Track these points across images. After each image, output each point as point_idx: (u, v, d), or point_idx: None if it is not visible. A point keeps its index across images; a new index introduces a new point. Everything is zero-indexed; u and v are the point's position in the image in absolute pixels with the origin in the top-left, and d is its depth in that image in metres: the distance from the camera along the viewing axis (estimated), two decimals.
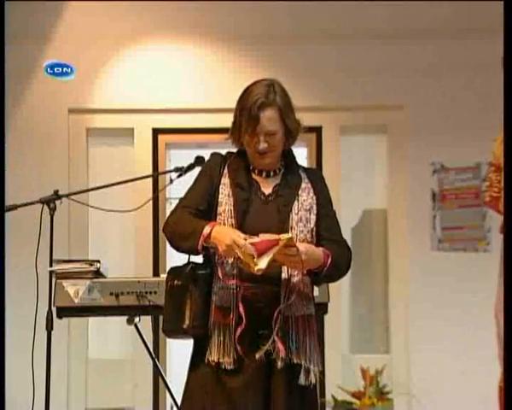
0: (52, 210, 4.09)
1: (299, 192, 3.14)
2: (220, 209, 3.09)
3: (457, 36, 6.02)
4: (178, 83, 6.18)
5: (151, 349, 4.43)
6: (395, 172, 6.19)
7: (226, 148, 3.25)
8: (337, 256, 3.09)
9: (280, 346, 2.97)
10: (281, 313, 3.00)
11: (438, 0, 5.97)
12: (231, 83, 5.89)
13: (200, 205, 3.11)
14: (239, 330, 2.98)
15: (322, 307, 4.13)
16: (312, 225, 3.12)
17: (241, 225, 3.03)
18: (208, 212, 3.10)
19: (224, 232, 2.98)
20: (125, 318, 4.27)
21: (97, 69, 6.16)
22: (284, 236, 2.91)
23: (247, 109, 3.05)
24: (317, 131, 6.16)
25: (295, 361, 3.02)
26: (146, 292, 4.12)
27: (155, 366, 4.53)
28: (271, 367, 3.00)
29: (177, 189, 4.26)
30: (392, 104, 6.15)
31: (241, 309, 2.99)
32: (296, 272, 3.05)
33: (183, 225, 3.07)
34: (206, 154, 3.64)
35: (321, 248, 3.07)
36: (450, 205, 6.12)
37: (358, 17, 6.12)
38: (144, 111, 6.16)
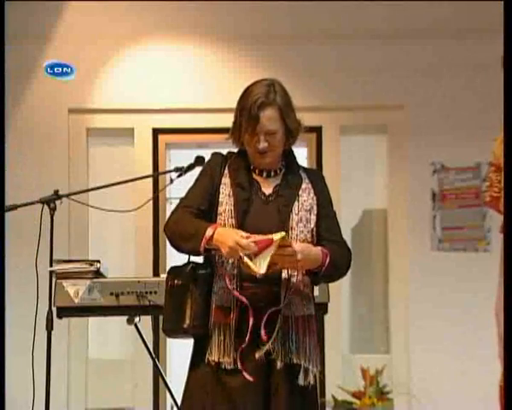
0: (52, 210, 4.09)
1: (300, 192, 3.14)
2: (221, 209, 3.09)
3: (457, 36, 6.02)
4: (178, 83, 6.18)
5: (151, 349, 4.43)
6: (395, 172, 6.19)
7: (226, 148, 3.25)
8: (336, 256, 3.09)
9: (264, 337, 2.97)
10: (280, 312, 3.01)
11: (438, 0, 5.97)
12: (231, 83, 5.89)
13: (202, 205, 3.11)
14: (240, 348, 2.97)
15: (323, 307, 4.12)
16: (312, 226, 3.12)
17: (241, 225, 3.03)
18: (209, 212, 3.11)
19: (226, 234, 2.98)
20: (125, 318, 4.27)
21: (97, 69, 6.16)
22: (277, 235, 2.91)
23: (247, 109, 3.05)
24: (317, 131, 6.16)
25: (295, 361, 3.02)
26: (146, 292, 4.12)
27: (155, 366, 4.53)
28: (271, 367, 3.00)
29: (178, 189, 4.25)
30: (393, 104, 6.15)
31: (251, 324, 2.98)
32: (296, 272, 3.05)
33: (184, 225, 3.07)
34: (206, 154, 3.64)
35: (319, 248, 3.07)
36: (451, 205, 6.12)
37: (358, 17, 6.12)
38: (144, 111, 6.16)
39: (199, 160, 3.98)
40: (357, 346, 6.27)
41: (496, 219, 4.61)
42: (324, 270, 3.06)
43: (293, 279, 3.05)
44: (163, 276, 3.49)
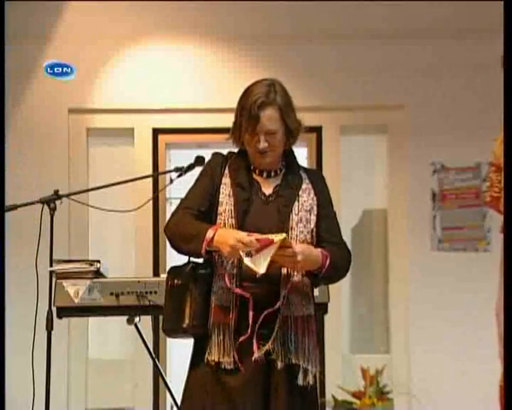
0: (52, 210, 4.09)
1: (300, 193, 3.14)
2: (221, 209, 3.09)
3: (457, 36, 6.02)
4: (178, 83, 6.18)
5: (151, 349, 4.43)
6: (395, 172, 6.19)
7: (226, 148, 3.25)
8: (336, 258, 3.10)
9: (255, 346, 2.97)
10: (279, 312, 3.01)
11: (438, 0, 5.96)
12: (231, 83, 5.89)
13: (202, 206, 3.12)
14: (241, 339, 2.97)
15: (323, 307, 4.12)
16: (312, 226, 3.12)
17: (241, 225, 3.03)
18: (209, 212, 3.11)
19: (226, 234, 2.98)
20: (125, 318, 4.27)
21: (97, 69, 6.16)
22: (278, 236, 2.91)
23: (247, 109, 3.05)
24: (317, 131, 6.15)
25: (294, 362, 3.02)
26: (146, 292, 4.12)
27: (155, 366, 4.52)
28: (271, 367, 3.00)
29: (178, 189, 4.26)
30: (393, 104, 6.15)
31: (251, 318, 2.97)
32: (296, 272, 3.05)
33: (184, 227, 3.07)
34: (206, 154, 3.64)
35: (319, 250, 3.07)
36: (451, 205, 6.12)
37: (358, 17, 6.12)
38: (144, 111, 6.16)
39: (199, 160, 3.98)
40: (358, 346, 6.27)
41: (496, 219, 4.60)
42: (324, 272, 3.06)
43: (293, 278, 3.05)
44: (163, 276, 3.49)
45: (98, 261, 4.24)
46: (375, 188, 6.39)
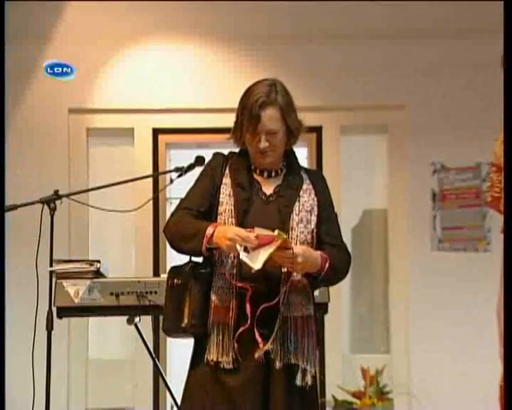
0: (52, 210, 4.09)
1: (301, 193, 3.14)
2: (221, 209, 3.10)
3: (457, 36, 6.02)
4: (178, 83, 6.18)
5: (151, 349, 4.43)
6: (395, 172, 6.18)
7: (226, 148, 3.25)
8: (335, 261, 3.10)
9: (258, 338, 2.97)
10: (279, 312, 3.01)
11: (438, 0, 5.96)
12: (231, 83, 5.89)
13: (201, 206, 3.12)
14: (241, 329, 2.98)
15: (323, 307, 4.12)
16: (313, 227, 3.12)
17: (241, 225, 3.03)
18: (209, 213, 3.11)
19: (225, 229, 2.98)
20: (125, 318, 4.27)
21: (97, 69, 6.15)
22: (281, 234, 2.91)
23: (248, 108, 3.06)
24: (318, 130, 6.15)
25: (293, 362, 3.03)
26: (146, 292, 4.12)
27: (155, 366, 4.52)
28: (270, 367, 3.01)
29: (178, 189, 4.26)
30: (393, 104, 6.15)
31: (248, 310, 2.98)
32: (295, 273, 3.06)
33: (184, 226, 3.07)
34: (206, 154, 3.64)
35: (319, 252, 3.07)
36: (451, 205, 6.11)
37: (358, 17, 6.11)
38: (144, 111, 6.16)
39: (199, 160, 3.98)
40: (358, 346, 6.27)
41: (496, 220, 4.60)
42: (323, 274, 3.07)
43: (293, 279, 3.05)
44: (163, 276, 3.49)
45: (98, 261, 4.24)
46: (375, 188, 6.39)
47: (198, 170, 3.36)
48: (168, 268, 3.19)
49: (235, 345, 2.98)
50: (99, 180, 5.57)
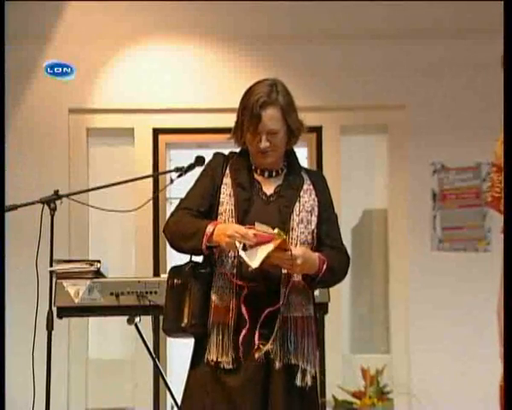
0: (52, 210, 4.09)
1: (301, 194, 3.14)
2: (221, 209, 3.10)
3: (457, 36, 6.02)
4: (178, 83, 6.18)
5: (151, 349, 4.43)
6: (395, 172, 6.18)
7: (227, 148, 3.25)
8: (333, 263, 3.10)
9: (256, 341, 2.97)
10: (280, 312, 3.01)
11: (438, 0, 5.96)
12: (232, 83, 5.89)
13: (201, 206, 3.12)
14: (243, 332, 2.98)
15: (323, 307, 4.13)
16: (313, 227, 3.12)
17: (241, 225, 3.03)
18: (209, 213, 3.11)
19: (225, 227, 2.99)
20: (125, 318, 4.27)
21: (97, 69, 6.15)
22: (280, 233, 2.90)
23: (249, 108, 3.06)
24: (318, 130, 6.15)
25: (293, 362, 3.03)
26: (146, 292, 4.12)
27: (155, 366, 4.52)
28: (270, 367, 3.01)
29: (178, 189, 4.26)
30: (393, 104, 6.15)
31: (244, 310, 2.99)
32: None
33: (184, 225, 3.07)
34: (206, 154, 3.64)
35: (317, 254, 3.07)
36: (451, 205, 6.11)
37: (359, 17, 6.11)
38: (144, 111, 6.16)
39: (199, 160, 3.98)
40: (358, 346, 6.27)
41: (496, 220, 4.61)
42: (321, 276, 3.06)
43: (294, 279, 3.05)
44: (163, 276, 3.50)
45: (98, 261, 4.24)
46: (375, 188, 6.39)
47: (198, 170, 3.36)
48: (168, 268, 3.20)
49: (240, 348, 2.99)
50: (99, 180, 5.57)
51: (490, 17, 4.95)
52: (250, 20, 6.15)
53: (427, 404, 5.79)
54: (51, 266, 4.16)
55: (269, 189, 3.15)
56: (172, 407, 5.31)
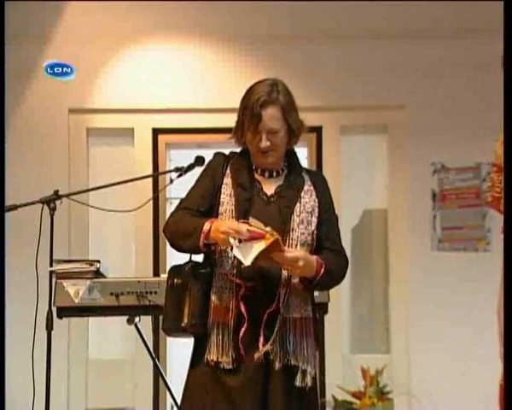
0: (52, 210, 4.09)
1: (302, 194, 3.14)
2: (222, 209, 3.10)
3: (457, 36, 6.02)
4: (178, 83, 6.18)
5: (151, 349, 4.43)
6: (395, 172, 6.18)
7: (227, 148, 3.25)
8: (332, 266, 3.10)
9: (260, 345, 2.97)
10: (279, 313, 3.01)
11: (438, 0, 5.96)
12: (232, 83, 5.89)
13: (201, 206, 3.12)
14: (242, 331, 2.98)
15: (323, 308, 4.13)
16: (313, 228, 3.12)
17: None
18: (209, 213, 3.11)
19: (220, 223, 2.99)
20: (125, 318, 4.27)
21: (97, 69, 6.15)
22: (272, 233, 2.90)
23: (249, 107, 3.06)
24: (318, 130, 6.15)
25: (292, 363, 3.03)
26: (146, 292, 4.12)
27: (155, 366, 4.52)
28: (269, 367, 3.01)
29: (178, 189, 4.27)
30: (393, 104, 6.15)
31: (243, 308, 2.99)
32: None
33: (183, 225, 3.07)
34: (206, 154, 3.64)
35: (315, 257, 3.07)
36: (451, 205, 6.11)
37: (359, 17, 6.11)
38: (144, 111, 6.16)
39: (199, 160, 3.98)
40: (358, 346, 6.27)
41: (496, 220, 4.60)
42: (318, 279, 3.07)
43: (293, 280, 3.05)
44: (163, 276, 3.49)
45: (98, 261, 4.24)
46: (375, 188, 6.39)
47: (198, 170, 3.36)
48: (168, 268, 3.20)
49: (241, 347, 2.99)
50: (99, 180, 5.57)
51: (490, 17, 4.95)
52: (250, 20, 6.15)
53: (427, 404, 5.79)
54: (51, 266, 4.16)
55: (269, 189, 3.15)
56: (172, 407, 5.31)
